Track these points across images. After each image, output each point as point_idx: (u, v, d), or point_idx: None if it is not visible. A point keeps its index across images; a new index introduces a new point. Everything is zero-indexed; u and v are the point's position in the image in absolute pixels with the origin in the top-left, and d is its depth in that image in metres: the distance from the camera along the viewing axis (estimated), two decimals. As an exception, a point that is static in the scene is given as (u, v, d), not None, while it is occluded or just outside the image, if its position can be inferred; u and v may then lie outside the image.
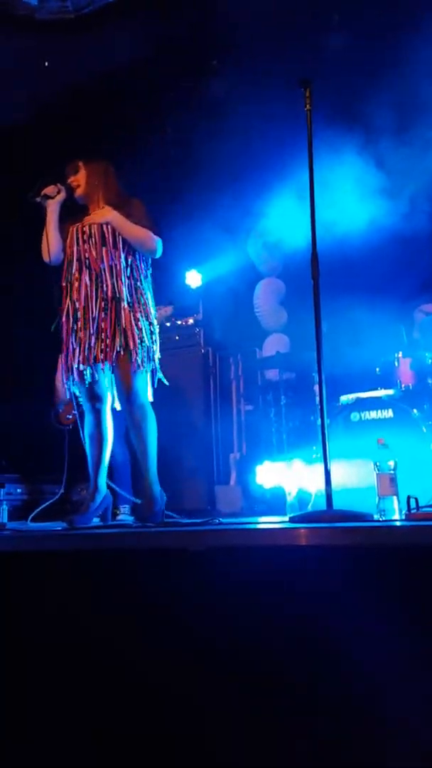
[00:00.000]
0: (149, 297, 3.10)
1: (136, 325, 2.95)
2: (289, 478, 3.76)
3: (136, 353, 2.91)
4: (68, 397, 4.28)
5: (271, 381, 5.35)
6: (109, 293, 2.95)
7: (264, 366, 5.52)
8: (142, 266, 3.11)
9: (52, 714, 1.87)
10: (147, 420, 2.98)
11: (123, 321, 2.92)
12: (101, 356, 2.92)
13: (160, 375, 3.11)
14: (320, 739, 1.55)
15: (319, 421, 2.71)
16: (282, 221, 5.36)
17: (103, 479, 3.09)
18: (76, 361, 2.98)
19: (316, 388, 3.76)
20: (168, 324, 5.19)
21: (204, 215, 5.17)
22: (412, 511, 2.29)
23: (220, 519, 2.85)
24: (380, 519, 2.49)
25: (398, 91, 4.32)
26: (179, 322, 5.13)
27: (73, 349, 2.99)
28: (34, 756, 1.84)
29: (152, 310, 3.10)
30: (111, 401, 3.12)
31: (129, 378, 2.93)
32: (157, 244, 3.07)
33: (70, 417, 4.31)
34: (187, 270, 5.65)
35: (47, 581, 2.03)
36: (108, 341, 2.92)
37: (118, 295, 2.95)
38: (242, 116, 5.20)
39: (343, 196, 4.66)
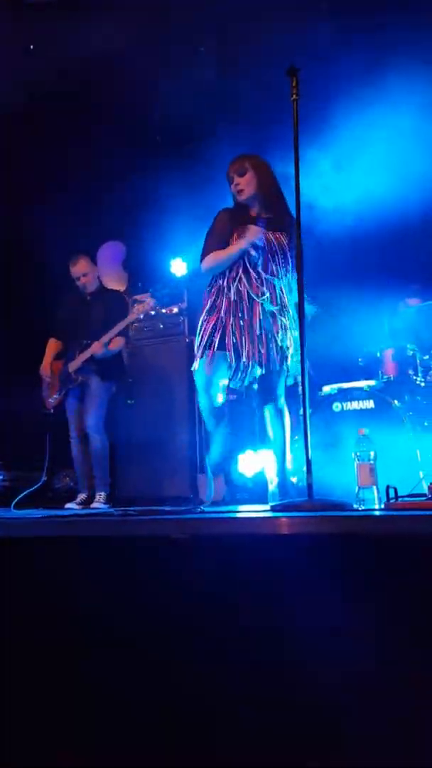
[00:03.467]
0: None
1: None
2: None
3: None
4: (50, 380, 4.31)
5: (254, 371, 5.36)
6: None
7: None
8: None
9: (37, 707, 1.88)
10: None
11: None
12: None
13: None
14: (301, 729, 1.58)
15: (301, 411, 2.73)
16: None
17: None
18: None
19: (299, 378, 3.78)
20: (152, 312, 5.18)
21: (189, 203, 5.15)
22: (391, 501, 2.32)
23: (202, 507, 2.87)
24: (360, 508, 2.52)
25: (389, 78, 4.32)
26: (163, 311, 5.12)
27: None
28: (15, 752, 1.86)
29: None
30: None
31: None
32: None
33: (52, 401, 4.30)
34: (171, 258, 5.63)
35: (29, 569, 2.03)
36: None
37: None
38: (230, 101, 5.18)
39: (329, 187, 4.66)
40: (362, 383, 3.84)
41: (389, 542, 1.63)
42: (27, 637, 1.94)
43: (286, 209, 3.14)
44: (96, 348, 4.13)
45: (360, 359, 4.12)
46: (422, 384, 3.85)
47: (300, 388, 3.27)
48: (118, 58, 4.76)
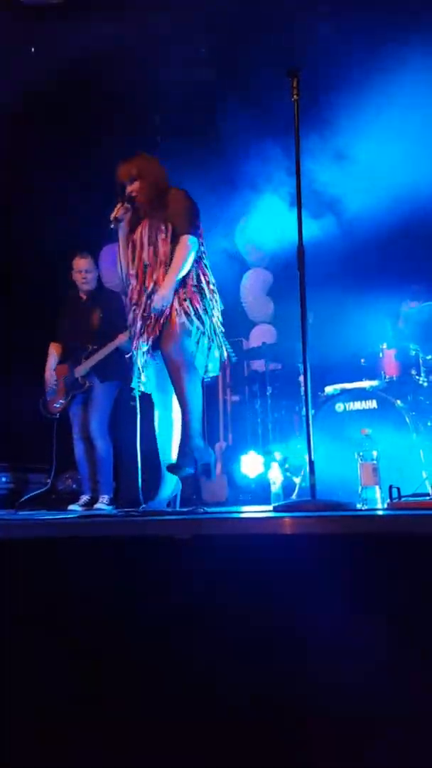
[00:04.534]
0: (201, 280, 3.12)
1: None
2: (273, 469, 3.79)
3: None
4: (55, 385, 4.32)
5: (257, 372, 5.38)
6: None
7: (250, 357, 5.54)
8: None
9: (37, 708, 1.88)
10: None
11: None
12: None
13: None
14: (302, 729, 1.58)
15: (304, 412, 2.73)
16: (270, 212, 5.37)
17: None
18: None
19: (302, 378, 3.79)
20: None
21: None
22: (394, 501, 2.32)
23: (205, 508, 2.86)
24: (363, 508, 2.52)
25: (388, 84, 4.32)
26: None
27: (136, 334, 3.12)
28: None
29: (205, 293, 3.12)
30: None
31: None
32: (193, 246, 3.07)
33: (58, 406, 4.30)
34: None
35: (31, 570, 2.04)
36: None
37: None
38: (231, 102, 5.19)
39: (331, 189, 4.67)
40: (365, 383, 3.83)
41: (392, 542, 1.63)
42: (29, 638, 1.94)
43: (170, 200, 3.12)
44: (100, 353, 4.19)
45: (362, 359, 4.12)
46: (425, 384, 3.85)
47: (302, 389, 3.27)
48: (118, 58, 4.77)
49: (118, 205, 3.14)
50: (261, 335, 5.69)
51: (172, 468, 2.99)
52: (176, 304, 3.00)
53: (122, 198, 3.15)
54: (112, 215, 3.14)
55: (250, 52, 4.87)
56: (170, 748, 1.67)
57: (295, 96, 2.75)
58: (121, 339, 4.20)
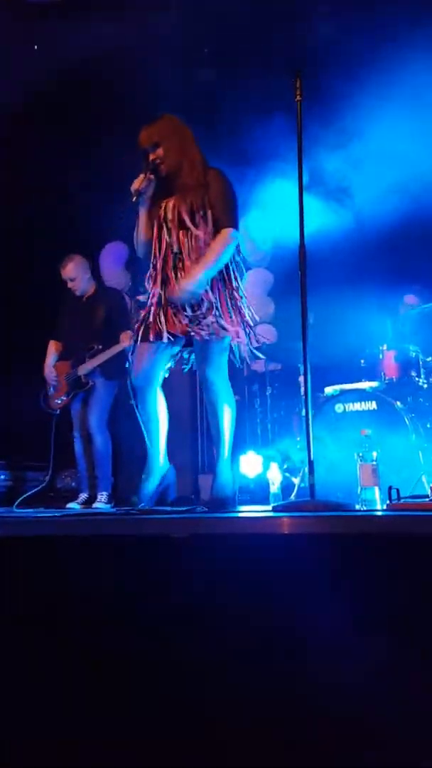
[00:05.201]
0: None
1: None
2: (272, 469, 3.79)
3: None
4: (55, 382, 4.32)
5: (257, 372, 5.37)
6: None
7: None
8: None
9: (36, 708, 1.88)
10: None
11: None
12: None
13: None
14: (301, 729, 1.58)
15: (303, 412, 2.73)
16: (271, 211, 5.38)
17: (163, 458, 3.04)
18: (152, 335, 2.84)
19: (302, 379, 3.79)
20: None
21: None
22: (394, 502, 2.32)
23: (204, 508, 2.86)
24: (362, 509, 2.52)
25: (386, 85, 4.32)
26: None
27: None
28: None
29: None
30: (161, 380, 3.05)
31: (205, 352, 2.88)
32: (234, 242, 2.82)
33: (59, 402, 4.30)
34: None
35: (29, 569, 2.03)
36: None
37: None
38: (232, 103, 5.19)
39: (331, 188, 4.66)
40: (365, 384, 3.83)
41: (391, 543, 1.63)
42: (27, 636, 1.94)
43: (211, 181, 2.84)
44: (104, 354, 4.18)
45: (362, 360, 4.12)
46: (425, 386, 3.85)
47: (302, 390, 3.27)
48: (119, 58, 4.77)
49: (141, 176, 2.83)
50: (261, 335, 5.69)
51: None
52: (227, 323, 2.82)
53: (145, 168, 2.83)
54: (133, 187, 2.81)
55: (251, 52, 4.87)
56: (170, 748, 1.67)
57: (298, 96, 2.74)
58: (126, 341, 4.19)
